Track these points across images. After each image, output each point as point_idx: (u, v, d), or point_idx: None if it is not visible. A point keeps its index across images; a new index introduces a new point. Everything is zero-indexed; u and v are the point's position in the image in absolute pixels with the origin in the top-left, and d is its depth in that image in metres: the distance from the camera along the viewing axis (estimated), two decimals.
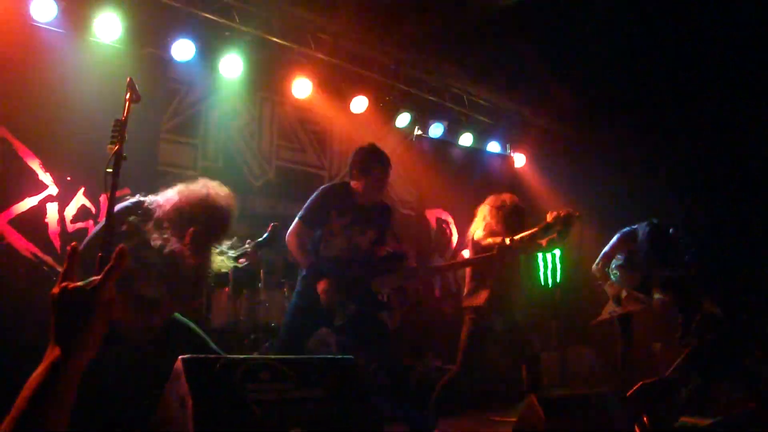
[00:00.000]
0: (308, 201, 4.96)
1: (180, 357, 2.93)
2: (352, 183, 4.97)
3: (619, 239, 6.81)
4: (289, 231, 4.94)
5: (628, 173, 9.18)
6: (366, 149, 5.02)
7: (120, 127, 3.21)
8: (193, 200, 3.85)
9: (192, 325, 3.79)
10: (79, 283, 1.43)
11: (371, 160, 4.92)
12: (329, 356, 3.76)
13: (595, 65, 8.48)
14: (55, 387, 1.32)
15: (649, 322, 6.91)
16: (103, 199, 3.21)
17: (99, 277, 1.44)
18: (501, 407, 7.66)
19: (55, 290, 1.43)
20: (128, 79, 3.36)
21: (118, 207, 3.53)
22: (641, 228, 6.81)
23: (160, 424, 3.09)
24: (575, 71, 8.66)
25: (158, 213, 3.75)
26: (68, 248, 1.52)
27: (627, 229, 6.86)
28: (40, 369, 1.36)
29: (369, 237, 4.96)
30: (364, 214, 4.95)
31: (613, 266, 6.85)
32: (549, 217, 5.48)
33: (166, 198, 3.82)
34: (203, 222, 3.81)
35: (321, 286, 4.65)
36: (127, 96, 3.33)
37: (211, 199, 3.93)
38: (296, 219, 4.93)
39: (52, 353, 1.38)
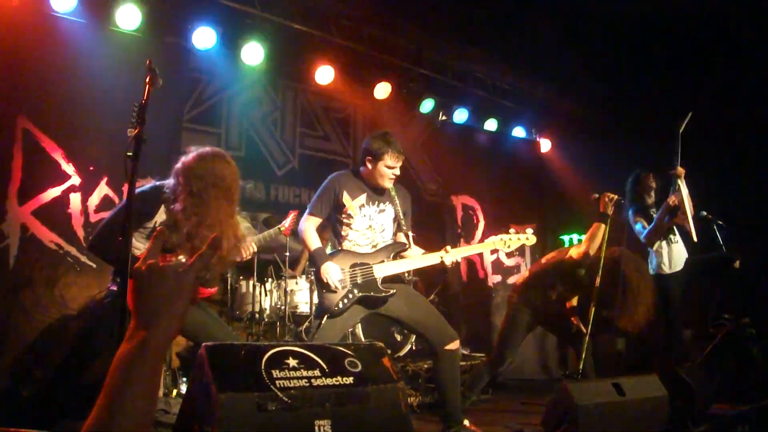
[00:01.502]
0: (317, 192, 4.89)
1: (203, 344, 2.88)
2: (363, 170, 4.87)
3: (633, 214, 6.70)
4: (300, 222, 4.89)
5: (656, 157, 9.03)
6: (378, 135, 4.87)
7: (140, 110, 3.15)
8: (193, 160, 4.01)
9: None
10: (170, 263, 1.42)
11: (383, 146, 4.76)
12: (358, 343, 3.71)
13: (621, 49, 8.35)
14: (146, 363, 1.33)
15: (682, 308, 6.79)
16: (125, 188, 3.17)
17: (191, 259, 1.44)
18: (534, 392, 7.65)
19: (142, 267, 1.41)
20: (148, 62, 3.30)
21: (136, 191, 3.54)
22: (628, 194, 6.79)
23: (185, 412, 3.04)
24: (601, 55, 8.53)
25: (171, 190, 3.95)
26: (157, 228, 1.57)
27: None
28: (128, 347, 1.34)
29: (389, 215, 4.88)
30: (378, 193, 4.88)
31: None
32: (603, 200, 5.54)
33: (174, 172, 4.02)
34: (209, 175, 3.95)
35: (321, 271, 4.61)
36: (147, 79, 3.27)
37: (207, 153, 4.05)
38: (306, 210, 4.88)
39: (137, 333, 1.36)
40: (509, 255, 9.55)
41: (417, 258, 4.82)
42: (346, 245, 4.79)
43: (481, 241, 9.27)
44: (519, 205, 9.87)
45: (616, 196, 5.64)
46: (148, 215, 4.03)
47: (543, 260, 6.10)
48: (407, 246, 4.87)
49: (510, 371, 8.79)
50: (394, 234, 4.94)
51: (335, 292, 4.59)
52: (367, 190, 4.83)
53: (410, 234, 4.94)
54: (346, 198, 4.77)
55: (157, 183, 4.09)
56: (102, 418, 1.27)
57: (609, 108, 9.61)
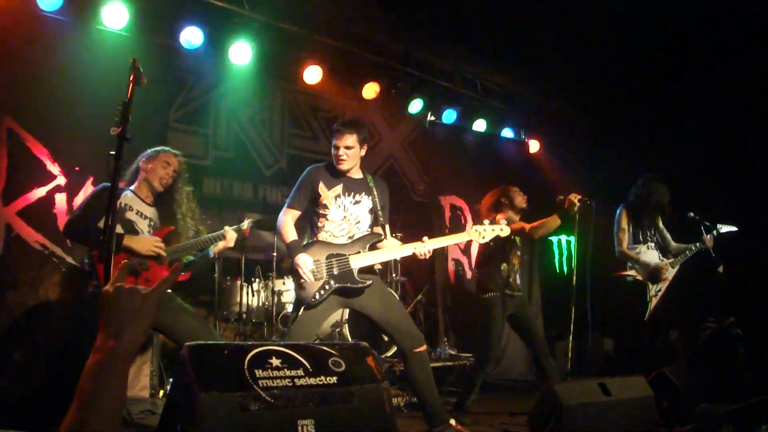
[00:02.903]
0: (295, 185, 4.95)
1: (186, 344, 2.87)
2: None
3: (620, 213, 6.75)
4: (279, 216, 4.93)
5: (644, 159, 9.07)
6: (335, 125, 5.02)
7: (123, 108, 3.14)
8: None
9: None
10: (134, 286, 1.60)
11: (333, 129, 4.93)
12: (342, 342, 3.70)
13: (610, 50, 8.37)
14: (114, 370, 1.50)
15: (667, 309, 6.82)
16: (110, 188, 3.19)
17: (156, 285, 1.63)
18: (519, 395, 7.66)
19: (110, 289, 1.59)
20: (131, 60, 3.29)
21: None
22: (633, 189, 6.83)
23: (168, 413, 3.03)
24: (589, 56, 8.56)
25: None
26: (123, 262, 1.79)
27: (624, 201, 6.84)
28: (98, 357, 1.52)
29: (365, 207, 4.90)
30: (355, 183, 4.91)
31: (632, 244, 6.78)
32: (569, 199, 5.54)
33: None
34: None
35: (295, 262, 4.64)
36: (131, 77, 3.26)
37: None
38: (285, 204, 4.94)
39: (106, 344, 1.53)
40: None
41: (392, 249, 4.84)
42: (322, 236, 4.81)
43: (469, 241, 9.33)
44: None
45: (580, 196, 5.64)
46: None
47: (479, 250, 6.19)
48: (383, 237, 4.89)
49: (498, 372, 8.84)
50: (371, 226, 4.95)
51: (311, 283, 4.59)
52: (343, 182, 4.86)
53: (386, 226, 4.96)
54: (322, 188, 4.81)
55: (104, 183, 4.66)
56: (77, 419, 1.45)
57: (598, 109, 9.65)
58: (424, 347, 4.80)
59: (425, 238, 4.78)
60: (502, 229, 4.99)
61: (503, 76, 9.61)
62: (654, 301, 6.58)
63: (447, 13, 7.98)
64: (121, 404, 1.53)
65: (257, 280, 7.25)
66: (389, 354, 7.36)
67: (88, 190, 6.18)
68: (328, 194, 4.80)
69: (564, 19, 7.91)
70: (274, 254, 7.04)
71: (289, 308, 7.25)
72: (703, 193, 7.89)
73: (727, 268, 6.53)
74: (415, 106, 8.90)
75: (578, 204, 5.59)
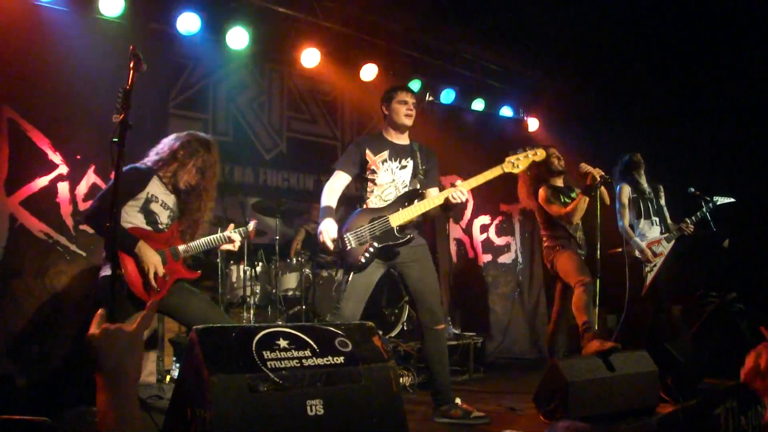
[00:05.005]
0: (343, 153, 5.19)
1: (194, 327, 2.89)
2: (383, 129, 5.12)
3: (621, 189, 6.82)
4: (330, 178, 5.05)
5: (643, 137, 9.07)
6: (386, 88, 5.22)
7: (125, 96, 3.15)
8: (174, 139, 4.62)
9: None
10: (118, 325, 1.69)
11: (390, 90, 5.10)
12: (348, 323, 3.72)
13: (608, 28, 8.35)
14: (121, 405, 1.63)
15: (670, 284, 6.86)
16: (113, 175, 3.18)
17: (137, 321, 1.73)
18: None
19: (96, 332, 1.67)
20: (131, 47, 3.30)
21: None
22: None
23: (178, 396, 3.06)
24: (587, 34, 8.53)
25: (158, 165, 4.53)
26: (99, 310, 1.79)
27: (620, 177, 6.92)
28: (103, 397, 1.63)
29: (410, 172, 5.00)
30: (401, 149, 5.03)
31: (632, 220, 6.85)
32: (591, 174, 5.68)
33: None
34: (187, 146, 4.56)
35: (320, 228, 4.76)
36: (131, 65, 3.27)
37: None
38: (335, 167, 5.08)
39: (108, 382, 1.64)
40: (499, 234, 9.59)
41: (428, 200, 4.86)
42: (372, 201, 4.94)
43: (471, 220, 9.35)
44: (507, 185, 9.87)
45: (601, 172, 5.69)
46: (132, 192, 4.35)
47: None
48: (420, 191, 4.95)
49: (501, 350, 8.89)
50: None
51: (356, 248, 4.70)
52: (389, 147, 5.00)
53: (433, 189, 5.07)
54: (369, 154, 4.95)
55: (132, 164, 4.46)
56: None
57: (596, 87, 9.62)
58: (442, 326, 4.94)
59: (458, 182, 4.85)
60: (536, 153, 4.98)
61: (501, 56, 9.57)
62: (649, 277, 6.64)
63: None
64: (136, 409, 1.66)
65: (260, 264, 7.29)
66: (393, 334, 7.41)
67: (90, 178, 6.20)
68: (375, 159, 4.94)
69: None
70: (277, 238, 7.07)
71: (291, 292, 7.32)
72: (703, 169, 7.92)
73: (730, 241, 6.58)
74: (414, 86, 8.87)
75: (600, 179, 5.64)
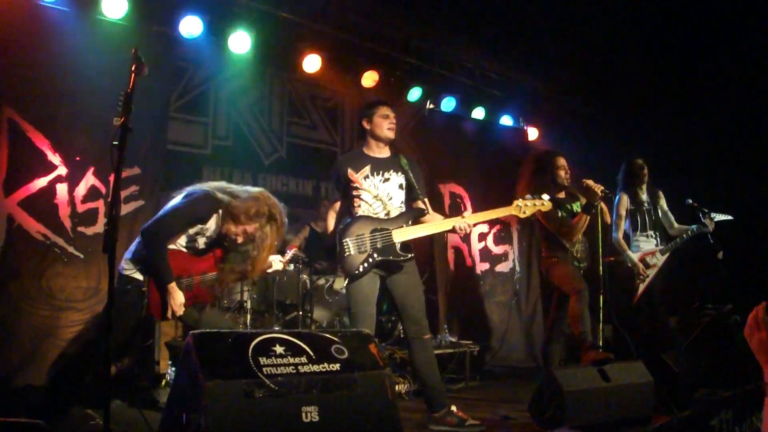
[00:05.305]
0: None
1: (191, 332, 2.90)
2: (364, 144, 5.19)
3: (620, 199, 6.83)
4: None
5: (643, 146, 9.09)
6: (364, 104, 5.37)
7: (126, 99, 3.16)
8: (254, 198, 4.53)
9: None
10: None
11: (371, 105, 5.20)
12: (344, 330, 3.72)
13: (607, 36, 8.36)
14: None
15: (666, 295, 6.87)
16: (112, 177, 3.19)
17: None
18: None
19: None
20: (133, 50, 3.31)
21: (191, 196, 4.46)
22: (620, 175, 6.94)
23: (173, 401, 3.06)
24: (587, 43, 8.55)
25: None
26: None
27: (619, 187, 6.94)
28: None
29: (395, 183, 5.04)
30: (382, 162, 5.08)
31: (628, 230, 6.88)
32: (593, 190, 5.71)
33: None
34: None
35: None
36: (133, 68, 3.28)
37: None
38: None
39: None
40: (497, 243, 9.60)
41: (434, 223, 4.95)
42: (355, 211, 4.98)
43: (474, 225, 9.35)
44: (506, 193, 9.82)
45: (602, 186, 5.72)
46: (202, 220, 4.46)
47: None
48: (426, 212, 5.02)
49: (497, 359, 8.88)
50: (405, 201, 5.09)
51: (355, 256, 4.75)
52: (370, 162, 5.05)
53: (426, 200, 5.13)
54: (351, 173, 4.99)
55: (208, 190, 4.47)
56: None
57: (596, 96, 9.64)
58: (428, 336, 4.98)
59: (466, 213, 4.93)
60: (544, 204, 5.00)
61: (502, 64, 9.59)
62: (641, 287, 6.66)
63: (445, 2, 7.97)
64: None
65: None
66: (390, 341, 7.41)
67: (89, 180, 6.19)
68: (357, 176, 4.98)
69: (562, 7, 7.90)
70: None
71: (289, 297, 7.32)
72: (701, 178, 7.92)
73: (725, 254, 6.59)
74: (414, 94, 8.89)
75: (600, 194, 5.68)
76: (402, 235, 4.80)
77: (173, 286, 4.33)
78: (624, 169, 6.94)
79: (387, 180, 5.02)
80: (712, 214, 6.68)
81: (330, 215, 5.18)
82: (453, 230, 4.84)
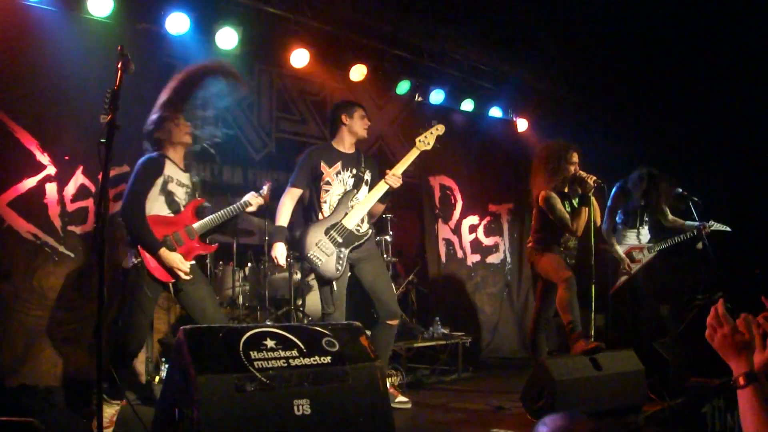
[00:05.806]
0: (296, 166, 5.36)
1: (182, 327, 2.91)
2: (336, 139, 5.40)
3: (615, 193, 6.85)
4: (283, 195, 5.30)
5: (632, 138, 9.12)
6: (340, 102, 5.66)
7: (113, 96, 3.16)
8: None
9: None
10: None
11: (350, 103, 5.49)
12: (335, 322, 3.74)
13: (598, 29, 8.38)
14: None
15: (657, 284, 6.90)
16: (101, 176, 3.19)
17: None
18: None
19: None
20: (119, 47, 3.31)
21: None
22: (631, 176, 6.91)
23: (166, 396, 3.06)
24: (576, 35, 8.56)
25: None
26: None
27: (621, 181, 6.94)
28: None
29: (361, 180, 5.31)
30: (350, 158, 5.33)
31: (618, 223, 6.90)
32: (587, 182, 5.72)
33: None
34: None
35: (272, 248, 5.15)
36: (119, 65, 3.28)
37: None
38: (288, 183, 5.33)
39: None
40: (488, 234, 9.62)
41: (370, 194, 5.22)
42: (325, 209, 5.18)
43: (459, 221, 9.37)
44: (496, 185, 9.92)
45: (594, 177, 5.70)
46: (157, 171, 4.60)
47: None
48: (355, 191, 5.26)
49: (490, 350, 8.91)
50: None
51: (327, 260, 4.99)
52: (341, 158, 5.28)
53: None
54: (324, 166, 5.20)
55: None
56: None
57: (585, 88, 9.66)
58: (396, 321, 5.26)
59: (387, 171, 5.19)
60: (437, 129, 5.38)
61: (490, 56, 9.59)
62: (622, 279, 6.71)
63: None
64: None
65: (249, 264, 7.29)
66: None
67: (78, 179, 6.17)
68: (330, 171, 5.19)
69: None
70: (266, 238, 7.07)
71: (281, 292, 7.32)
72: (691, 171, 7.95)
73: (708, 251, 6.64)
74: (403, 87, 8.90)
75: (593, 186, 5.67)
76: (351, 219, 5.09)
77: (164, 250, 4.42)
78: (644, 181, 6.84)
79: (354, 176, 5.27)
80: (710, 222, 6.73)
81: (282, 205, 5.19)
82: (390, 189, 5.15)
